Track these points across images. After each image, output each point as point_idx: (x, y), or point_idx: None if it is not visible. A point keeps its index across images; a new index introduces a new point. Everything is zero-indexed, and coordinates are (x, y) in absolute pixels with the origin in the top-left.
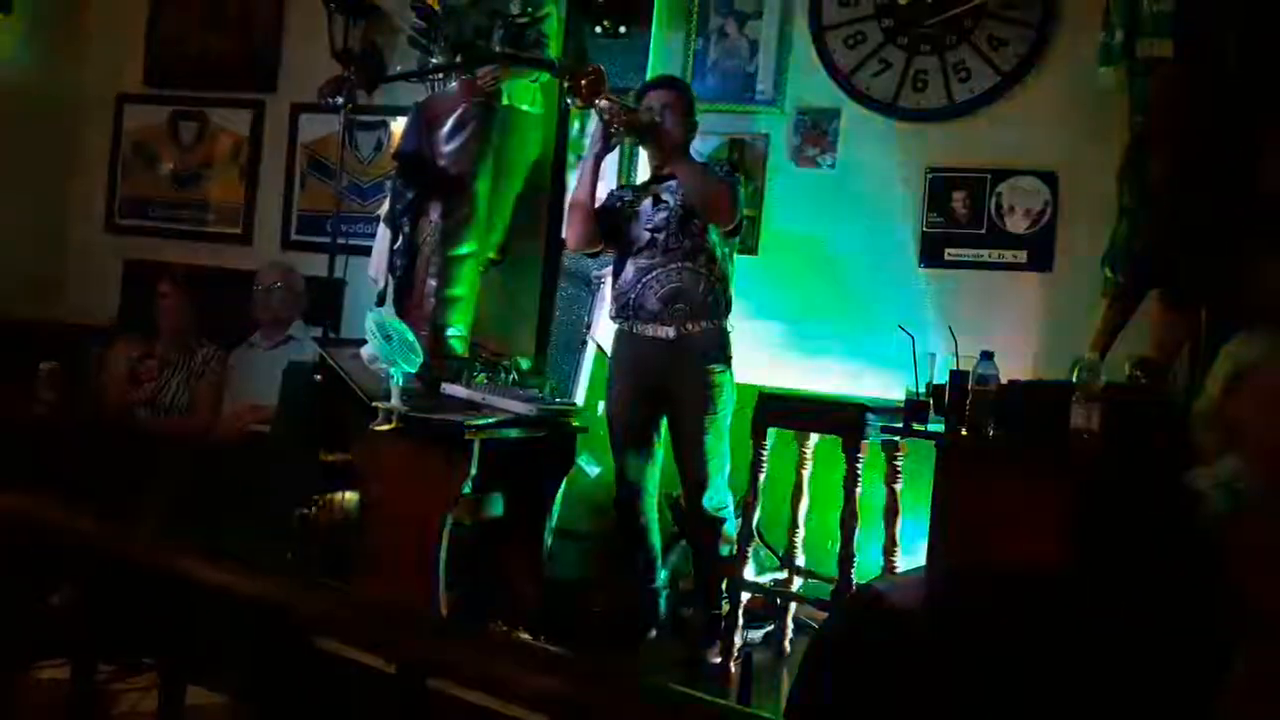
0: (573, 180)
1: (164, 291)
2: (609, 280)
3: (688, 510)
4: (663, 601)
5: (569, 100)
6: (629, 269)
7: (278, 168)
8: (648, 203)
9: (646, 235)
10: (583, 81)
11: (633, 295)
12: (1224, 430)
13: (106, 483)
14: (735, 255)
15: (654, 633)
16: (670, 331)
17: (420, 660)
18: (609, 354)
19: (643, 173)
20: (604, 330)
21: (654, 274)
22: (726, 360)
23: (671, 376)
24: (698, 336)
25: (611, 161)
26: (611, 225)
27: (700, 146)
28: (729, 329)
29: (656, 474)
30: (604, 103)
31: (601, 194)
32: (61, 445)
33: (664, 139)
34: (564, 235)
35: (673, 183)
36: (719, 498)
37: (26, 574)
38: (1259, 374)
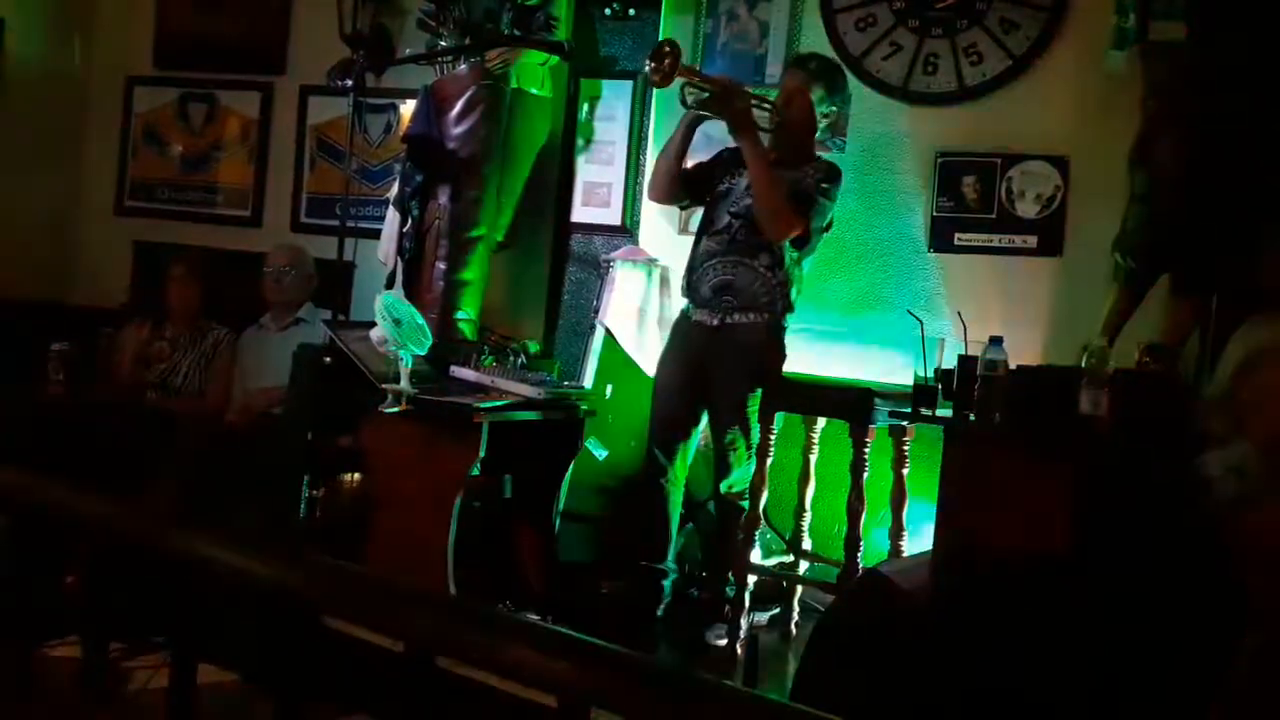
0: (582, 160)
1: (174, 274)
2: (618, 266)
3: (712, 493)
4: (669, 584)
5: (649, 77)
6: (701, 247)
7: (287, 150)
8: (742, 182)
9: (726, 218)
10: (665, 60)
11: (693, 277)
12: (1234, 415)
13: (117, 464)
14: (805, 261)
15: (661, 614)
16: (715, 320)
17: (428, 640)
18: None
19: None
20: (613, 314)
21: (714, 261)
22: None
23: (711, 364)
24: (742, 329)
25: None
26: (703, 183)
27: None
28: (783, 326)
29: (688, 457)
30: (685, 79)
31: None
32: (72, 426)
33: (750, 132)
34: (646, 184)
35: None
36: (740, 487)
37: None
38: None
